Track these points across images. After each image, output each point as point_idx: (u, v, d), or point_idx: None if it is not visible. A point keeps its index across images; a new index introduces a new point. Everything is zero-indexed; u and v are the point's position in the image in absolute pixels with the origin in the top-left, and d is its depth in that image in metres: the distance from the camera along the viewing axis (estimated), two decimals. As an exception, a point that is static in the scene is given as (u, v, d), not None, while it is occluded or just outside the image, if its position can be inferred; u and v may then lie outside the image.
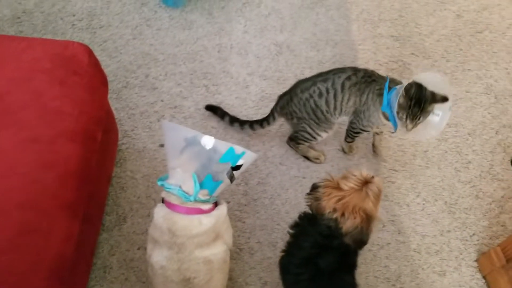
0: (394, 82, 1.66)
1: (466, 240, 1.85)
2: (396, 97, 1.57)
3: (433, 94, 1.56)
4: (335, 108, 1.77)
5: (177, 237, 1.33)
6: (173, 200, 1.34)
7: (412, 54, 2.30)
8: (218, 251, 1.40)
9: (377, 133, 1.96)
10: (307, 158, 1.99)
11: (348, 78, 1.73)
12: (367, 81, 1.72)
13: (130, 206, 1.84)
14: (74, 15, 2.31)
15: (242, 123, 1.97)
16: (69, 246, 1.26)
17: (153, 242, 1.40)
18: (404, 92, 1.54)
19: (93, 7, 2.34)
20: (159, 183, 1.36)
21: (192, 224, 1.33)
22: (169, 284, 1.38)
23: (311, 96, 1.77)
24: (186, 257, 1.35)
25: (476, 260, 1.80)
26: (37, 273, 1.15)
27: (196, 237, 1.34)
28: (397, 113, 1.58)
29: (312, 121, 1.82)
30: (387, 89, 1.63)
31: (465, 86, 2.22)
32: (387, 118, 1.69)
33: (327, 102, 1.76)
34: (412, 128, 1.60)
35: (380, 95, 1.66)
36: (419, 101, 1.54)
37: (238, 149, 1.30)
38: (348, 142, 1.95)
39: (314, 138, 1.88)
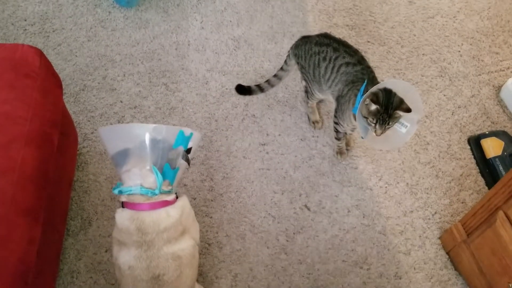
0: (373, 85, 1.61)
1: (429, 219, 1.90)
2: (361, 103, 1.56)
3: (401, 101, 1.54)
4: (327, 80, 1.79)
5: (146, 235, 1.32)
6: (136, 200, 1.33)
7: (368, 42, 2.34)
8: (186, 245, 1.40)
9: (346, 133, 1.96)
10: (308, 118, 2.08)
11: (347, 64, 1.72)
12: (357, 76, 1.69)
13: (94, 209, 1.82)
14: (25, 20, 2.26)
15: (269, 81, 2.05)
16: (31, 252, 1.24)
17: (118, 244, 1.39)
18: (374, 99, 1.52)
19: (44, 11, 2.30)
20: (115, 192, 1.33)
21: (160, 218, 1.33)
22: (138, 283, 1.37)
23: (318, 53, 1.79)
24: (154, 254, 1.34)
25: (439, 238, 1.85)
26: (0, 279, 1.13)
27: (165, 231, 1.33)
28: (366, 118, 1.58)
29: (309, 75, 1.86)
30: (362, 92, 1.60)
31: (420, 70, 2.27)
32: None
33: (325, 69, 1.78)
34: (381, 133, 1.59)
35: (356, 95, 1.64)
36: (387, 107, 1.54)
37: (187, 130, 1.31)
38: (335, 138, 1.93)
39: (312, 94, 1.92)
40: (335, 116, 1.83)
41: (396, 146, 1.86)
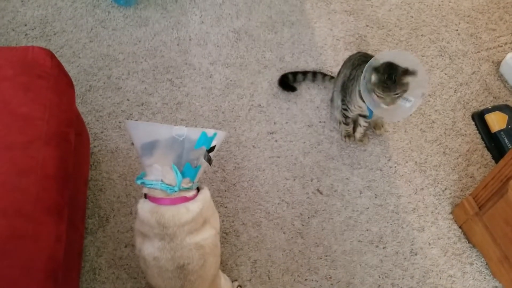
0: None
1: (439, 195, 1.93)
2: (365, 77, 1.62)
3: (406, 69, 1.60)
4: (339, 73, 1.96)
5: (167, 228, 1.34)
6: (157, 194, 1.35)
7: (367, 26, 2.36)
8: (207, 235, 1.42)
9: (360, 125, 1.97)
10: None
11: (349, 57, 1.92)
12: (361, 60, 1.81)
13: (110, 206, 1.84)
14: (26, 25, 2.27)
15: (312, 73, 2.16)
16: (59, 248, 1.26)
17: (141, 236, 1.40)
18: (376, 70, 1.58)
19: (44, 15, 2.31)
20: (138, 182, 1.35)
21: (180, 213, 1.34)
22: (164, 273, 1.39)
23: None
24: (178, 245, 1.36)
25: (451, 212, 1.89)
26: (32, 277, 1.15)
27: (185, 224, 1.35)
28: (373, 90, 1.62)
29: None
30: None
31: (420, 51, 2.30)
32: (362, 100, 1.74)
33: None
34: (390, 103, 1.63)
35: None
36: (390, 75, 1.59)
37: (210, 131, 1.32)
38: (344, 123, 1.98)
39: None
40: (343, 103, 1.88)
41: (403, 115, 1.81)
